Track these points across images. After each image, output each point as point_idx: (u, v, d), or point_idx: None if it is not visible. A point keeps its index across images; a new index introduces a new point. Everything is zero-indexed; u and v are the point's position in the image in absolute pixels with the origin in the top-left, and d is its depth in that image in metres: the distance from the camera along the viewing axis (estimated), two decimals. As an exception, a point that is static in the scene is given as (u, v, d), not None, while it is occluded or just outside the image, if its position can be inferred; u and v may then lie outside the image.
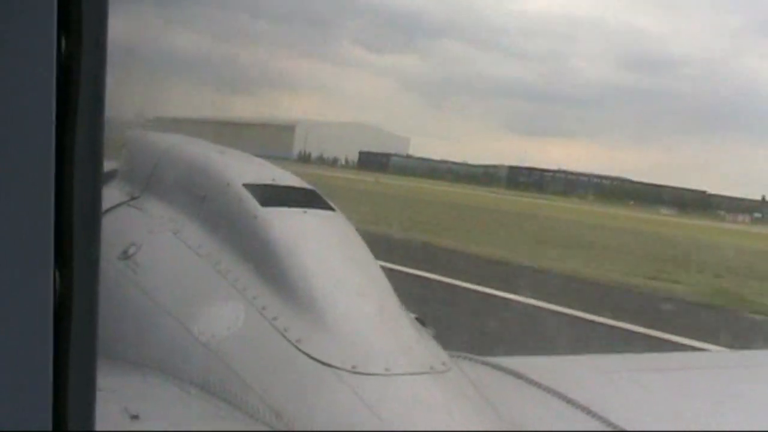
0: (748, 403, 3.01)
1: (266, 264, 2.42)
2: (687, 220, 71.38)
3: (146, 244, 2.82)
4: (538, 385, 2.59)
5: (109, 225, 2.61)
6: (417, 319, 2.52)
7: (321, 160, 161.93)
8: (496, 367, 2.71)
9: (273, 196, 2.66)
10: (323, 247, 2.57)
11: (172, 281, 2.67)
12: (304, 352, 2.15)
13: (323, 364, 2.11)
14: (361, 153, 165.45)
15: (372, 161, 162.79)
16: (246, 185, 2.67)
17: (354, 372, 2.07)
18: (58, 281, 1.07)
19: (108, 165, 2.87)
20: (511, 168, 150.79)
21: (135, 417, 1.99)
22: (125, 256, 2.76)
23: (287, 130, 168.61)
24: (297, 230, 2.56)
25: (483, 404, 2.22)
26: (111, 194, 3.00)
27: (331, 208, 2.76)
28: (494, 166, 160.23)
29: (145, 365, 2.40)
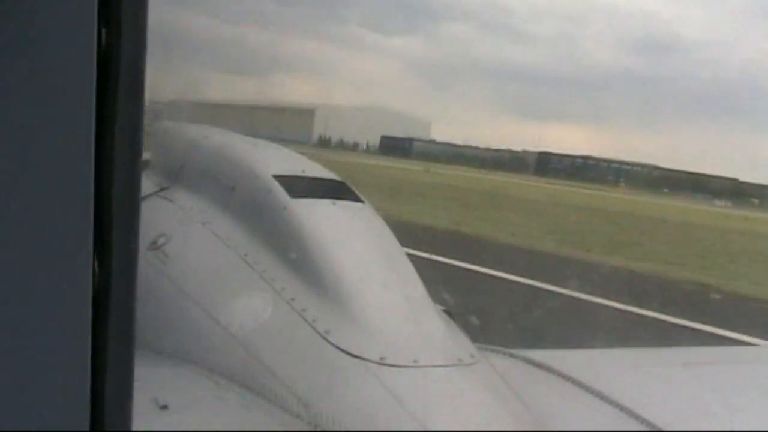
0: None
1: (295, 256, 2.40)
2: (754, 212, 65.72)
3: (175, 235, 2.83)
4: (567, 378, 2.60)
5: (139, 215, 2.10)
6: (445, 311, 2.49)
7: (341, 145, 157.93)
8: (524, 360, 2.73)
9: (302, 187, 2.64)
10: (352, 239, 2.54)
11: (200, 272, 2.68)
12: (332, 343, 2.14)
13: (351, 355, 2.10)
14: (383, 137, 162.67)
15: (394, 146, 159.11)
16: (275, 176, 2.65)
17: (382, 363, 2.07)
18: (97, 273, 1.07)
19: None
20: (541, 154, 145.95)
21: (164, 407, 2.01)
22: (155, 246, 2.77)
23: (306, 114, 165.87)
24: (326, 222, 2.53)
25: (511, 397, 2.22)
26: (142, 184, 2.05)
27: (360, 200, 2.69)
28: (521, 151, 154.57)
29: (174, 355, 2.40)
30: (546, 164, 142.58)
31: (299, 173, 2.77)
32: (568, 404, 2.51)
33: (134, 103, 1.07)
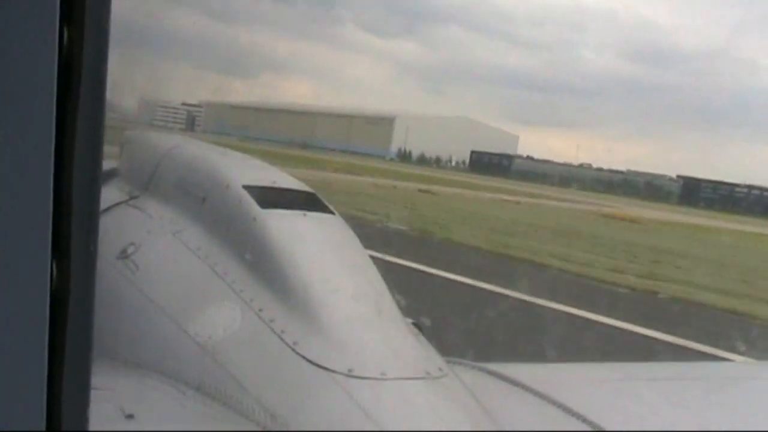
0: (742, 414, 3.19)
1: (264, 266, 2.48)
2: None
3: (145, 245, 2.90)
4: (534, 392, 2.70)
5: (108, 224, 2.83)
6: (413, 323, 2.60)
7: (423, 160, 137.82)
8: (492, 374, 2.86)
9: (273, 198, 2.71)
10: (322, 251, 2.64)
11: (170, 282, 2.75)
12: (300, 355, 2.23)
13: (319, 367, 2.19)
14: (473, 153, 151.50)
15: (488, 162, 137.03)
16: (246, 187, 2.71)
17: (350, 375, 2.15)
18: (55, 275, 1.10)
19: (108, 164, 3.19)
20: (687, 180, 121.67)
21: (130, 416, 2.09)
22: (124, 255, 2.84)
23: (385, 123, 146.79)
24: (296, 233, 2.61)
25: (478, 410, 2.33)
26: (111, 193, 3.16)
27: (330, 212, 2.81)
28: (650, 174, 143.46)
29: (142, 365, 2.48)
30: (694, 191, 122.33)
31: (270, 184, 2.83)
32: (534, 417, 2.62)
33: (96, 105, 1.09)
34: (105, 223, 2.08)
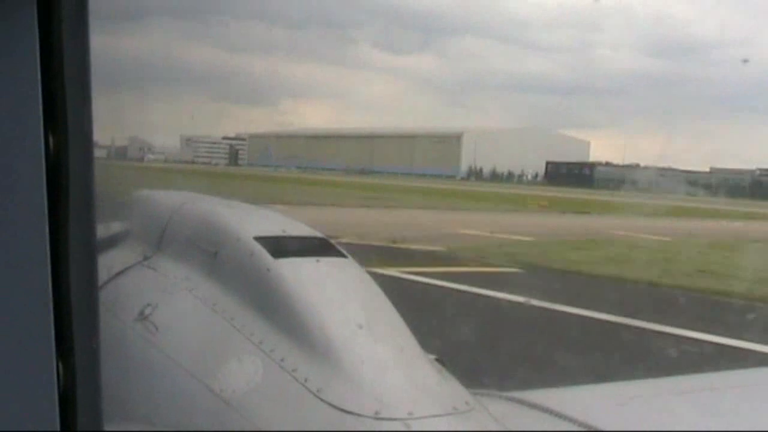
0: None
1: (282, 315, 2.53)
2: None
3: (162, 304, 2.93)
4: (564, 417, 2.75)
5: (124, 286, 3.00)
6: (437, 359, 2.63)
7: (495, 176, 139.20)
8: (520, 402, 2.92)
9: (284, 247, 2.77)
10: (338, 294, 2.69)
11: (190, 339, 2.80)
12: (325, 401, 2.26)
13: (345, 412, 2.23)
14: (548, 164, 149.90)
15: (564, 173, 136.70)
16: (257, 238, 2.77)
17: (377, 418, 2.20)
18: (51, 273, 1.19)
19: (120, 226, 3.40)
20: None
21: None
22: (142, 317, 2.87)
23: (452, 141, 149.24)
24: (311, 279, 2.67)
25: None
26: (124, 255, 3.25)
27: (343, 255, 2.87)
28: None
29: (171, 427, 2.56)
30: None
31: (280, 233, 2.90)
32: None
33: (86, 170, 1.21)
34: (120, 286, 2.92)
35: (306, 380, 2.29)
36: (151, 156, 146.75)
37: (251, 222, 3.02)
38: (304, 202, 37.93)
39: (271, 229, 2.88)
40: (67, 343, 1.16)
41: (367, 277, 2.80)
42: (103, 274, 2.65)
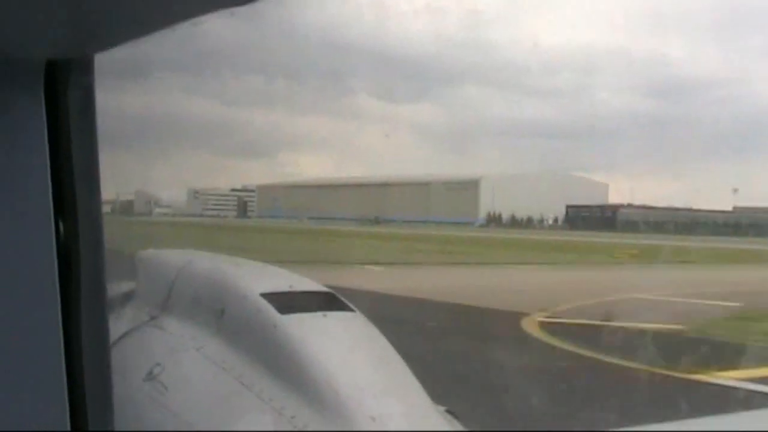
0: None
1: (290, 372, 2.54)
2: None
3: (170, 364, 2.95)
4: None
5: (131, 347, 3.00)
6: (447, 411, 2.64)
7: (514, 222, 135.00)
8: None
9: (291, 302, 2.80)
10: (346, 350, 2.72)
11: (199, 398, 2.81)
12: None
13: None
14: (569, 207, 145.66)
15: (585, 216, 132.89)
16: (263, 294, 2.80)
17: None
18: (62, 286, 1.24)
19: (126, 285, 3.46)
20: None
21: None
22: (150, 377, 2.89)
23: (470, 187, 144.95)
24: (318, 335, 2.69)
25: None
26: (131, 315, 3.32)
27: (350, 309, 2.90)
28: None
29: None
30: None
31: (287, 289, 2.94)
32: None
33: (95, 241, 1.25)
34: (129, 346, 2.72)
35: None
36: (158, 210, 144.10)
37: (257, 278, 3.04)
38: (370, 260, 34.71)
39: (277, 284, 2.89)
40: (80, 407, 1.16)
41: (376, 331, 2.77)
42: (111, 335, 2.30)
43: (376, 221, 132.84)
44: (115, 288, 3.20)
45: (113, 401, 1.27)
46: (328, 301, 2.84)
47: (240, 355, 2.65)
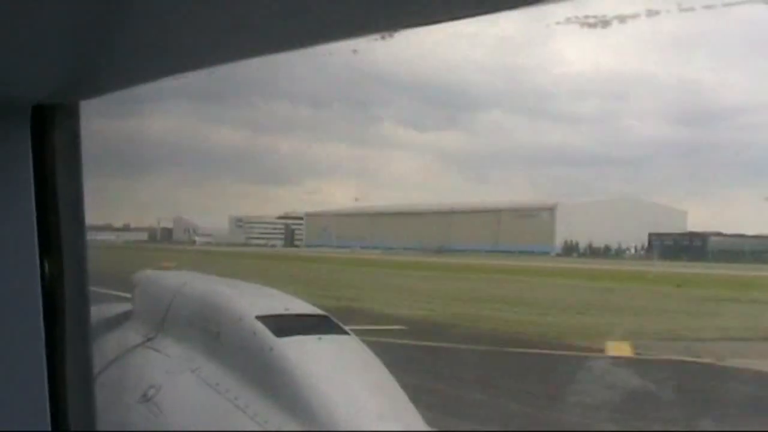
0: None
1: (286, 395, 2.54)
2: None
3: (165, 385, 2.95)
4: None
5: (127, 367, 2.93)
6: None
7: (592, 251, 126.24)
8: None
9: (287, 325, 2.79)
10: (341, 373, 2.71)
11: (194, 421, 2.81)
12: None
13: None
14: (651, 235, 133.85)
15: (671, 245, 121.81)
16: (259, 317, 2.81)
17: None
18: (47, 273, 1.29)
19: (123, 306, 3.48)
20: None
21: None
22: (145, 399, 2.90)
23: (544, 214, 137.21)
24: (313, 358, 2.70)
25: None
26: (127, 336, 3.22)
27: (345, 332, 2.90)
28: None
29: None
30: None
31: (283, 311, 2.87)
32: None
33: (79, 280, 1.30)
34: (124, 367, 2.66)
35: None
36: (198, 239, 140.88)
37: (253, 301, 3.01)
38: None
39: (273, 307, 2.84)
40: (59, 343, 1.23)
41: (371, 354, 2.75)
42: (107, 355, 2.66)
43: (440, 251, 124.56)
44: (110, 310, 3.22)
45: (96, 404, 1.34)
46: (323, 324, 2.80)
47: (235, 377, 2.61)
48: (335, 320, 2.91)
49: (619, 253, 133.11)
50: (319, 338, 2.69)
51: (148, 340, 3.23)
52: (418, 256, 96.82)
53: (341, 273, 47.65)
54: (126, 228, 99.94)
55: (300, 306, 3.02)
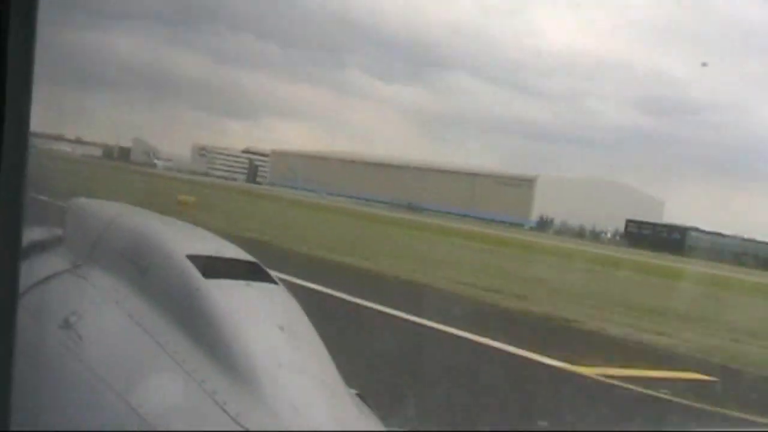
0: None
1: (207, 337, 2.54)
2: None
3: (88, 314, 2.90)
4: None
5: (51, 293, 2.99)
6: (358, 395, 2.72)
7: (567, 230, 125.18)
8: None
9: (216, 267, 2.79)
10: (266, 322, 2.70)
11: (112, 352, 2.76)
12: (244, 427, 2.28)
13: None
14: (629, 222, 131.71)
15: (648, 235, 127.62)
16: (189, 256, 2.79)
17: None
18: None
19: (54, 231, 3.47)
20: None
21: None
22: (66, 325, 2.84)
23: (524, 185, 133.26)
24: (239, 303, 2.68)
25: None
26: (54, 261, 3.26)
27: (274, 282, 2.91)
28: None
29: None
30: None
31: (214, 253, 2.93)
32: None
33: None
34: (47, 291, 2.71)
35: (225, 404, 2.31)
36: (159, 162, 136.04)
37: (185, 240, 3.09)
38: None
39: (204, 248, 2.92)
40: None
41: (297, 306, 2.84)
42: (30, 278, 2.59)
43: (410, 208, 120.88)
44: (39, 233, 3.20)
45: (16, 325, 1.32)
46: (252, 271, 2.84)
47: (159, 313, 2.65)
48: (265, 268, 2.83)
49: (591, 236, 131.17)
50: (248, 284, 2.65)
51: (75, 267, 3.07)
52: (387, 210, 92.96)
53: (303, 217, 45.61)
54: (79, 141, 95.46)
55: (231, 250, 2.92)
